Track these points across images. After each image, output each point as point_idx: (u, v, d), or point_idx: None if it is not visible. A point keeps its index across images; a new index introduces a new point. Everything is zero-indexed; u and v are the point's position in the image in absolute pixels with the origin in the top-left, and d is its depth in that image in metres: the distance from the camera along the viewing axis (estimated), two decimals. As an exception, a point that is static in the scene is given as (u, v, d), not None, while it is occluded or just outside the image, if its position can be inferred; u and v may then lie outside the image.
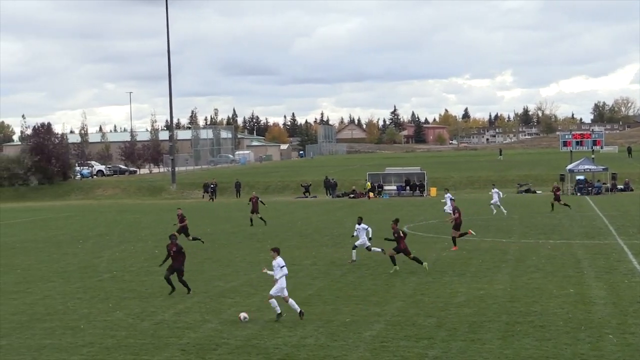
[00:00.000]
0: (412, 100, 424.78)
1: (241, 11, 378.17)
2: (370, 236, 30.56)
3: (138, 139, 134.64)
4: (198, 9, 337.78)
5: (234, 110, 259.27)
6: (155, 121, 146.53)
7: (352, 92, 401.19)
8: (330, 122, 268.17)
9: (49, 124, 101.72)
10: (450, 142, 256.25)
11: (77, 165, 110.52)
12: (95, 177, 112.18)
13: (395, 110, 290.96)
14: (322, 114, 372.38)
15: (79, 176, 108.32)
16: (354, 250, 30.60)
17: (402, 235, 27.87)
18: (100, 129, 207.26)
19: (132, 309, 22.42)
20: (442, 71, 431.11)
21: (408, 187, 76.75)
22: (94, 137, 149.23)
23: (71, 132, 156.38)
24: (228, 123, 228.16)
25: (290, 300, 20.53)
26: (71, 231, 47.67)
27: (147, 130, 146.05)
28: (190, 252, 35.25)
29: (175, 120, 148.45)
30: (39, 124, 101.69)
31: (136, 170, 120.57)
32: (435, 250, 33.37)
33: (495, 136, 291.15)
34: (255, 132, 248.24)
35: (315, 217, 53.33)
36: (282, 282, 20.45)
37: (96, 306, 23.07)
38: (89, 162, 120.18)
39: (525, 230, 40.96)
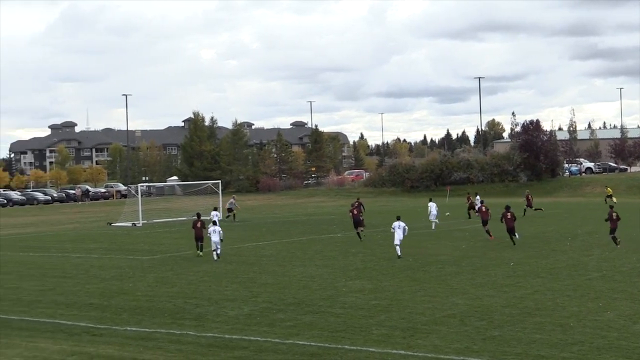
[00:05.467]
0: None
1: None
2: None
3: (629, 135, 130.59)
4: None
5: None
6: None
7: None
8: None
9: (538, 121, 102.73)
10: None
11: (565, 162, 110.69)
12: (583, 174, 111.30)
13: None
14: None
15: (567, 173, 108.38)
16: None
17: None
18: (589, 125, 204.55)
19: (623, 310, 21.69)
20: None
21: None
22: (582, 134, 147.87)
23: (559, 129, 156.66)
24: None
25: None
26: (559, 228, 47.69)
27: (638, 127, 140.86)
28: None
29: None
30: (527, 121, 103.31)
31: (626, 168, 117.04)
32: None
33: None
34: None
35: None
36: None
37: (586, 305, 22.73)
38: (577, 159, 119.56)
39: None
